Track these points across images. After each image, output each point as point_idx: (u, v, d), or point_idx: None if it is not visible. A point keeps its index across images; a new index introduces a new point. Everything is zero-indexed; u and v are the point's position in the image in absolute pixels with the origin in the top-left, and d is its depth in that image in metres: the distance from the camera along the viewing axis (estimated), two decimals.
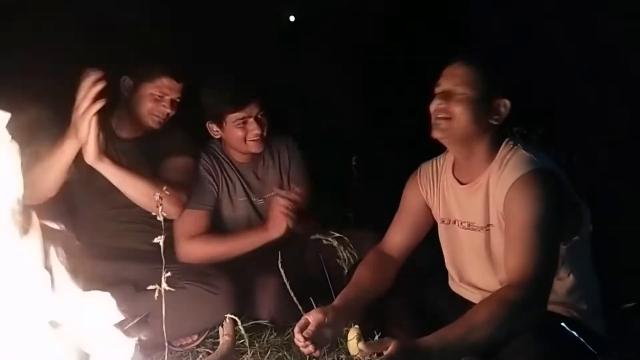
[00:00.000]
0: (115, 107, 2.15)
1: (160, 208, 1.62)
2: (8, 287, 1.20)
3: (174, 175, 2.08)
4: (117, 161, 1.95)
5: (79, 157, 2.06)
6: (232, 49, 2.95)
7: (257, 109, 2.12)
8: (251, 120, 2.11)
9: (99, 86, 1.74)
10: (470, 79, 1.53)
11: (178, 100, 2.15)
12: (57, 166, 1.86)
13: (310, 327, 1.53)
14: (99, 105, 1.75)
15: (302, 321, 1.56)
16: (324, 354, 1.78)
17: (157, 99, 2.10)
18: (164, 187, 1.78)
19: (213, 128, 2.18)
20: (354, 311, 1.65)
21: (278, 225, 2.04)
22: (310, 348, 1.51)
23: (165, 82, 2.10)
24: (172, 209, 2.01)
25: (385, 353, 1.31)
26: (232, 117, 2.11)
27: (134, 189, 1.94)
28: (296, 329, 1.54)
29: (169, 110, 2.12)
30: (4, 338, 1.18)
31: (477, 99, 1.53)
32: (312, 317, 1.55)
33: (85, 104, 1.75)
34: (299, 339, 1.52)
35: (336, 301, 1.64)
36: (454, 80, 1.55)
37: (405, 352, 1.31)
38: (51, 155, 1.85)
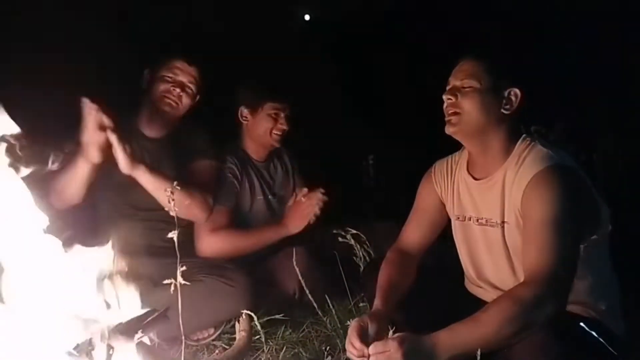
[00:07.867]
0: (140, 104, 2.17)
1: (172, 203, 1.64)
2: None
3: (200, 178, 2.10)
4: (151, 167, 1.96)
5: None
6: (249, 48, 2.97)
7: (289, 107, 2.28)
8: (283, 115, 2.26)
9: (98, 117, 1.77)
10: (476, 72, 1.55)
11: (192, 85, 2.12)
12: (73, 182, 1.91)
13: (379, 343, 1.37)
14: (101, 136, 1.79)
15: (357, 328, 1.44)
16: (339, 351, 1.78)
17: (168, 80, 2.09)
18: (175, 183, 1.78)
19: (243, 113, 2.30)
20: (394, 312, 1.62)
21: (299, 224, 2.20)
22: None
23: (177, 64, 2.11)
24: (200, 213, 2.07)
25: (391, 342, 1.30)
26: (270, 106, 2.26)
27: (165, 194, 1.94)
28: (354, 337, 1.41)
29: (178, 91, 2.09)
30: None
31: (484, 90, 1.54)
32: (372, 329, 1.46)
33: (88, 133, 1.79)
34: (361, 350, 1.38)
35: (379, 306, 1.59)
36: (460, 75, 1.58)
37: (411, 345, 1.31)
38: (66, 173, 1.88)
